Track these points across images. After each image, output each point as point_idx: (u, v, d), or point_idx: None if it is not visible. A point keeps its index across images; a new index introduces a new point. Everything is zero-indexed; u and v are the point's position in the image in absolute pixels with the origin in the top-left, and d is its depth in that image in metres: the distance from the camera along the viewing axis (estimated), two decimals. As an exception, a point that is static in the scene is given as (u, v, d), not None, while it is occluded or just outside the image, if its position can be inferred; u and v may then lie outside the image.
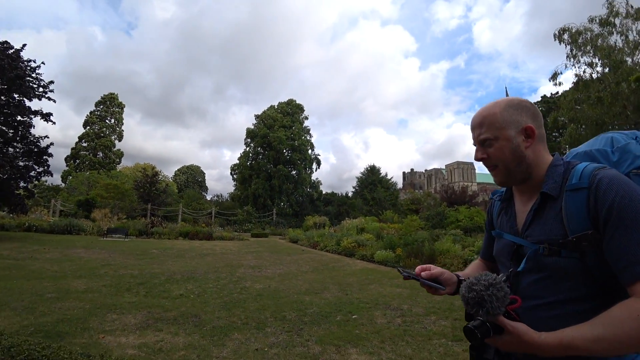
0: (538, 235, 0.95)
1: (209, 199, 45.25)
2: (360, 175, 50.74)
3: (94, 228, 19.38)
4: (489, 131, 1.01)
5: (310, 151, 43.48)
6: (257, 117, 42.24)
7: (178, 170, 65.08)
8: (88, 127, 45.16)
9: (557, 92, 30.12)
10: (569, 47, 19.31)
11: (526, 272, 0.95)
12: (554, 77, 20.28)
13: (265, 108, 43.17)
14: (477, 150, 1.05)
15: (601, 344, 0.78)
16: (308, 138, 44.39)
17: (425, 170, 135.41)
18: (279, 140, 38.76)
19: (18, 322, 4.13)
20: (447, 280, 1.07)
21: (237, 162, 42.40)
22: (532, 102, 1.02)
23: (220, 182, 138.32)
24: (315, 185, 44.23)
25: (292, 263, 10.64)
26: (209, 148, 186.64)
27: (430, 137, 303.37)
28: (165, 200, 31.86)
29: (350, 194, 46.59)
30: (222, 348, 3.63)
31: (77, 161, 44.30)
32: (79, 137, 45.18)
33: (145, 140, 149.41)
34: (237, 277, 7.79)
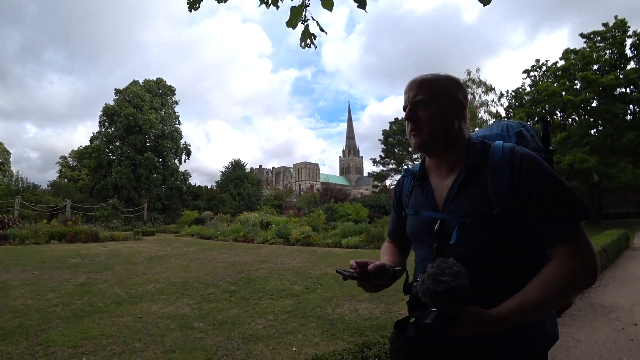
0: (465, 209, 0.95)
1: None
2: (225, 169, 49.42)
3: None
4: (427, 94, 1.01)
5: (181, 140, 39.24)
6: (118, 92, 34.90)
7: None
8: None
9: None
10: None
11: (454, 246, 0.94)
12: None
13: (128, 83, 36.10)
14: (409, 110, 1.03)
15: (545, 304, 0.85)
16: (177, 125, 39.93)
17: (273, 167, 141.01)
18: (150, 123, 33.42)
19: None
20: (386, 272, 1.02)
21: (89, 144, 33.94)
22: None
23: (19, 165, 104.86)
24: (185, 177, 40.30)
25: (287, 256, 10.23)
26: (6, 120, 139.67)
27: (272, 136, 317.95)
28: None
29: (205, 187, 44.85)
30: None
31: None
32: None
33: None
34: (287, 271, 7.23)
